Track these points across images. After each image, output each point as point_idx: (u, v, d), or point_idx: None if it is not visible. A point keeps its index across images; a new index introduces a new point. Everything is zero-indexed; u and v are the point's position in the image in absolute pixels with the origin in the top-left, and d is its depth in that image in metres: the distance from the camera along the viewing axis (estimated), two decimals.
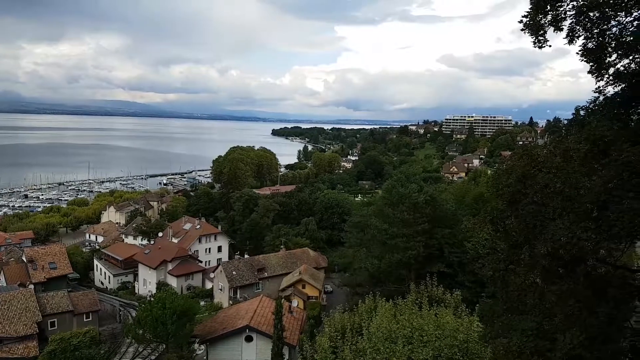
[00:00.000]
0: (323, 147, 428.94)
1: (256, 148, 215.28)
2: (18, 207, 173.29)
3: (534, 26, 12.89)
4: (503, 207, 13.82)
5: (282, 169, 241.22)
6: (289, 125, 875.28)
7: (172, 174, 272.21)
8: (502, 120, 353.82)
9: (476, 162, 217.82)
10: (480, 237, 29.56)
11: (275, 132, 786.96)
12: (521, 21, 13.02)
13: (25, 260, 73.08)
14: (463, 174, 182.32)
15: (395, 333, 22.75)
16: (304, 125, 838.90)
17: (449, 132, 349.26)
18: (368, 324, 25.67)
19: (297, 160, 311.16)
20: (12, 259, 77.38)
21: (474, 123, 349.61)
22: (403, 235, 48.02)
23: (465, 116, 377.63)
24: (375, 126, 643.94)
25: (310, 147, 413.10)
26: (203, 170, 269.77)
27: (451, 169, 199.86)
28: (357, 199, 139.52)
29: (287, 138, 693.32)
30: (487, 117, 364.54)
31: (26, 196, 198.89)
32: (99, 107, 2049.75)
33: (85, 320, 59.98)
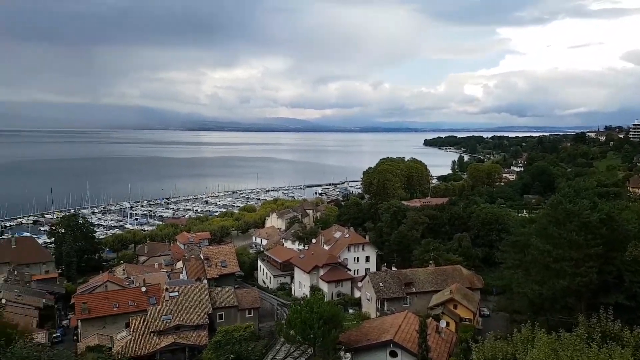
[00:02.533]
0: (482, 157, 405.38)
1: (406, 159, 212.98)
2: (200, 211, 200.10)
3: None
4: None
5: (434, 181, 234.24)
6: (443, 135, 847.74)
7: (327, 185, 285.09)
8: None
9: None
10: None
11: (427, 143, 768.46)
12: None
13: (202, 257, 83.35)
14: None
15: None
16: (459, 135, 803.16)
17: (637, 140, 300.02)
18: (523, 357, 23.13)
19: (450, 172, 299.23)
20: (193, 256, 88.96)
21: None
22: (571, 259, 42.50)
23: None
24: (545, 133, 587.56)
25: (466, 157, 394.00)
26: (354, 181, 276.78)
27: None
28: (520, 214, 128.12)
29: (440, 148, 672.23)
30: None
31: (206, 202, 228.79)
32: (266, 124, 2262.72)
33: (247, 315, 65.49)
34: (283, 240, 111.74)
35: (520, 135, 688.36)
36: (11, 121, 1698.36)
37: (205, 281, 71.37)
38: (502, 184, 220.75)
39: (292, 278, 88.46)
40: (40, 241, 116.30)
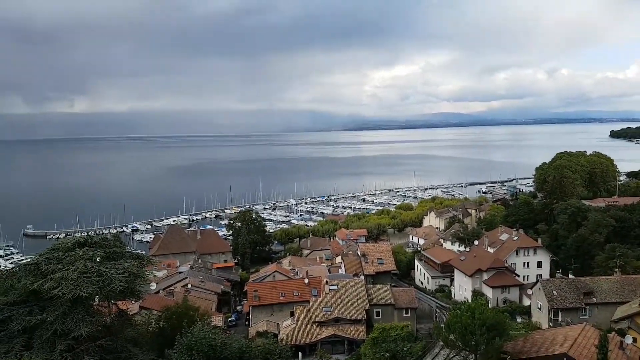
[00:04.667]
0: None
1: (588, 153, 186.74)
2: (357, 208, 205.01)
3: None
4: None
5: (622, 178, 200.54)
6: (633, 125, 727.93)
7: (492, 182, 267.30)
8: None
9: None
10: None
11: (614, 134, 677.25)
12: None
13: (359, 254, 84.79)
14: None
15: None
16: None
17: None
18: None
19: None
20: (350, 252, 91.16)
21: None
22: None
23: None
24: None
25: None
26: (524, 179, 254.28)
27: None
28: None
29: (630, 140, 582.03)
30: None
31: (364, 200, 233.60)
32: (425, 121, 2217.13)
33: (404, 315, 64.40)
34: (442, 241, 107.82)
35: None
36: (202, 128, 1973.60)
37: (362, 277, 72.26)
38: None
39: (452, 280, 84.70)
40: (220, 233, 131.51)
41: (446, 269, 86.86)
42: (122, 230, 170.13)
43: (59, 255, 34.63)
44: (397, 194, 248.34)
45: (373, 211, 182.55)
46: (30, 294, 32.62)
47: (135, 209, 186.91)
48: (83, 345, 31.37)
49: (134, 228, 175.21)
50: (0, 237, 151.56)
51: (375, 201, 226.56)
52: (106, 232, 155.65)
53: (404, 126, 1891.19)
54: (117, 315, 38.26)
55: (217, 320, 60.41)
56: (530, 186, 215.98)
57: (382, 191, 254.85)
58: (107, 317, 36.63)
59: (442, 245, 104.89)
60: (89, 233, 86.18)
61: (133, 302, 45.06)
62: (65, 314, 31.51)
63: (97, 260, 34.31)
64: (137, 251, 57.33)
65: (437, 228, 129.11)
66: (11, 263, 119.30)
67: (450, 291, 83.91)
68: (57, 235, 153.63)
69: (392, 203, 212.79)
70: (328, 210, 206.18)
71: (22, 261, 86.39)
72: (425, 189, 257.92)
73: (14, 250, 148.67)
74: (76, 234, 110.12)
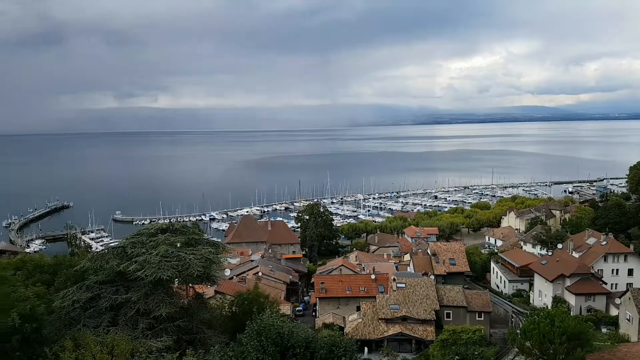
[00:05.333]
0: None
1: None
2: (428, 206, 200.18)
3: None
4: None
5: None
6: None
7: (579, 182, 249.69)
8: None
9: None
10: None
11: None
12: None
13: (430, 253, 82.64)
14: None
15: None
16: None
17: None
18: None
19: None
20: (420, 251, 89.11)
21: None
22: None
23: None
24: None
25: None
26: (616, 179, 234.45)
27: None
28: None
29: None
30: None
31: (435, 197, 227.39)
32: (506, 114, 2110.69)
33: (477, 318, 62.02)
34: (521, 243, 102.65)
35: None
36: (268, 123, 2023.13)
37: (433, 277, 70.45)
38: None
39: (531, 285, 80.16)
40: (289, 225, 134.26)
41: (525, 273, 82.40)
42: (200, 218, 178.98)
43: (143, 240, 37.05)
44: (473, 191, 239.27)
45: (445, 209, 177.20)
46: (117, 274, 35.15)
47: (212, 199, 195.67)
48: (162, 324, 33.29)
49: (211, 217, 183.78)
50: (93, 221, 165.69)
51: (448, 199, 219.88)
52: (186, 220, 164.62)
53: (483, 120, 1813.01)
54: (194, 298, 40.26)
55: (285, 308, 61.73)
56: (623, 187, 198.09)
57: (457, 188, 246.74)
58: (185, 300, 38.62)
59: (521, 247, 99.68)
60: (171, 220, 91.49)
61: (209, 286, 47.21)
62: (147, 294, 33.63)
63: (177, 245, 36.25)
64: (214, 239, 60.01)
65: (516, 229, 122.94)
66: (101, 245, 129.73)
67: (528, 296, 79.50)
68: (142, 221, 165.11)
69: (467, 201, 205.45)
70: (397, 207, 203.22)
71: (110, 244, 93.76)
72: (505, 187, 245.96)
73: (104, 233, 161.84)
74: (159, 221, 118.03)
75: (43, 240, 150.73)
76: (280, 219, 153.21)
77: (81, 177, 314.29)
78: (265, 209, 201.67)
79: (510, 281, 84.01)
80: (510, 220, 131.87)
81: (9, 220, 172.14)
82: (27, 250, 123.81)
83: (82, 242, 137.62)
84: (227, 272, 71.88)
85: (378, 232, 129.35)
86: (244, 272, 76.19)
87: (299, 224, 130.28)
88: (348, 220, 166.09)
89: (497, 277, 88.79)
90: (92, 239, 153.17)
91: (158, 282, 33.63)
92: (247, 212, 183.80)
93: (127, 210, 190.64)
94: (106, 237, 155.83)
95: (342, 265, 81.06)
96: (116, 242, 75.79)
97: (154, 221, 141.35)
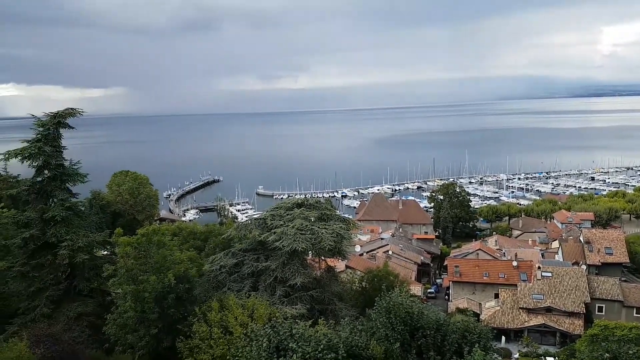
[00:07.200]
0: None
1: None
2: (584, 188, 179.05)
3: None
4: None
5: None
6: None
7: None
8: None
9: None
10: None
11: None
12: None
13: (582, 240, 74.17)
14: None
15: None
16: None
17: None
18: None
19: None
20: (571, 237, 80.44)
21: None
22: None
23: None
24: None
25: None
26: None
27: None
28: None
29: None
30: None
31: (592, 178, 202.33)
32: None
33: (635, 315, 55.12)
34: None
35: None
36: (406, 99, 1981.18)
37: (584, 267, 63.45)
38: None
39: None
40: (421, 205, 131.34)
41: None
42: (333, 195, 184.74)
43: (281, 213, 39.37)
44: (638, 173, 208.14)
45: (604, 192, 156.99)
46: (258, 244, 37.98)
47: (344, 176, 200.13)
48: (297, 293, 35.24)
49: (343, 194, 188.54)
50: (239, 194, 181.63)
51: (607, 181, 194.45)
52: (320, 195, 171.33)
53: None
54: (325, 271, 41.82)
55: (416, 289, 60.96)
56: None
57: (618, 169, 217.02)
58: (318, 271, 40.35)
59: None
60: (306, 195, 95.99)
61: (340, 260, 48.61)
62: (284, 264, 35.80)
63: (311, 220, 37.81)
64: (345, 215, 61.40)
65: None
66: (246, 216, 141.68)
67: None
68: (281, 196, 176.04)
69: (629, 184, 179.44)
70: (546, 189, 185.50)
71: (254, 216, 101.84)
72: None
73: (248, 206, 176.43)
74: (295, 196, 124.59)
75: (197, 210, 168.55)
76: (412, 198, 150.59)
77: (231, 154, 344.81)
78: (397, 188, 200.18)
79: None
80: None
81: (169, 192, 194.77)
82: (183, 219, 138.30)
83: (230, 213, 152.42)
84: (357, 248, 73.29)
85: (522, 215, 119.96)
86: (374, 250, 76.96)
87: (432, 204, 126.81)
88: (488, 202, 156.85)
89: None
90: (239, 210, 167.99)
91: (294, 253, 35.50)
92: (378, 190, 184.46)
93: (269, 185, 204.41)
94: (250, 209, 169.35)
95: (479, 249, 77.46)
96: (258, 214, 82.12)
97: (291, 196, 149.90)
